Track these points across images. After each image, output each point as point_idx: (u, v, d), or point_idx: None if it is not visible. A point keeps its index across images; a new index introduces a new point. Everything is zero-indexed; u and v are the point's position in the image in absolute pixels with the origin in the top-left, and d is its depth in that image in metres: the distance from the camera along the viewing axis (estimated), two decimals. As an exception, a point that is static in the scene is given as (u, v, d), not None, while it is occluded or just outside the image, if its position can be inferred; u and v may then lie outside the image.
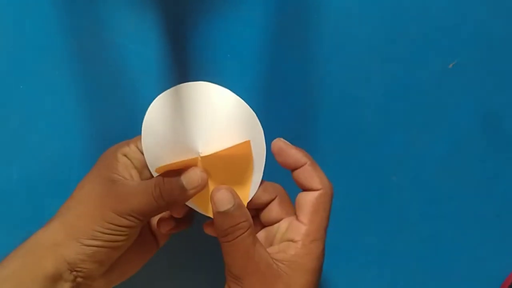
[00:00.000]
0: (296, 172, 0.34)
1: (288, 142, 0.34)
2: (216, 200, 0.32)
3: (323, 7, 0.37)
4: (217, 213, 0.32)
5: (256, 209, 0.36)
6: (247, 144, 0.34)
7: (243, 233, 0.31)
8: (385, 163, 0.42)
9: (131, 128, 0.39)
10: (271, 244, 0.34)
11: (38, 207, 0.40)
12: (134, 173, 0.35)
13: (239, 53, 0.37)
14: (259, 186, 0.35)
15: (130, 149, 0.35)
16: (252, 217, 0.34)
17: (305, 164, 0.33)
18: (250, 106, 0.35)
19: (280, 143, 0.34)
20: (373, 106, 0.40)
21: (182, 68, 0.34)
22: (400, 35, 0.38)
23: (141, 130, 0.34)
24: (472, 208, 0.45)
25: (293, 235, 0.33)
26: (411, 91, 0.40)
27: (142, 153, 0.35)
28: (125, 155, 0.35)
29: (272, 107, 0.41)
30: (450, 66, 0.40)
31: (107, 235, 0.32)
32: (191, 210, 0.36)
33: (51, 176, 0.40)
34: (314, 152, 0.40)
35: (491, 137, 0.43)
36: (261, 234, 0.36)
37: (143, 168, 0.36)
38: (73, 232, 0.32)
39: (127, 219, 0.32)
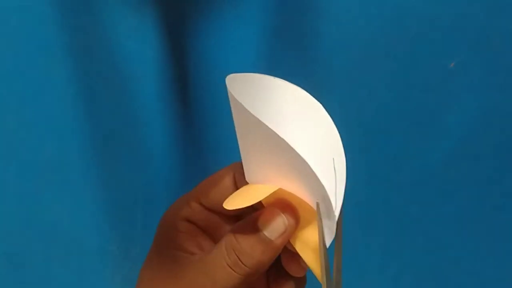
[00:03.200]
0: None
1: None
2: None
3: (323, 7, 0.37)
4: None
5: None
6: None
7: None
8: (385, 163, 0.42)
9: (131, 128, 0.39)
10: None
11: (38, 207, 0.40)
12: (203, 240, 0.27)
13: (239, 53, 0.37)
14: None
15: (192, 209, 0.27)
16: None
17: None
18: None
19: None
20: (373, 105, 0.40)
21: (182, 68, 0.34)
22: (400, 35, 0.38)
23: (141, 130, 0.33)
24: (473, 208, 0.45)
25: None
26: (411, 91, 0.40)
27: (208, 210, 0.27)
28: (188, 220, 0.27)
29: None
30: (451, 66, 0.40)
31: None
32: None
33: (51, 176, 0.40)
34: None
35: (492, 137, 0.43)
36: None
37: (214, 229, 0.28)
38: None
39: None
